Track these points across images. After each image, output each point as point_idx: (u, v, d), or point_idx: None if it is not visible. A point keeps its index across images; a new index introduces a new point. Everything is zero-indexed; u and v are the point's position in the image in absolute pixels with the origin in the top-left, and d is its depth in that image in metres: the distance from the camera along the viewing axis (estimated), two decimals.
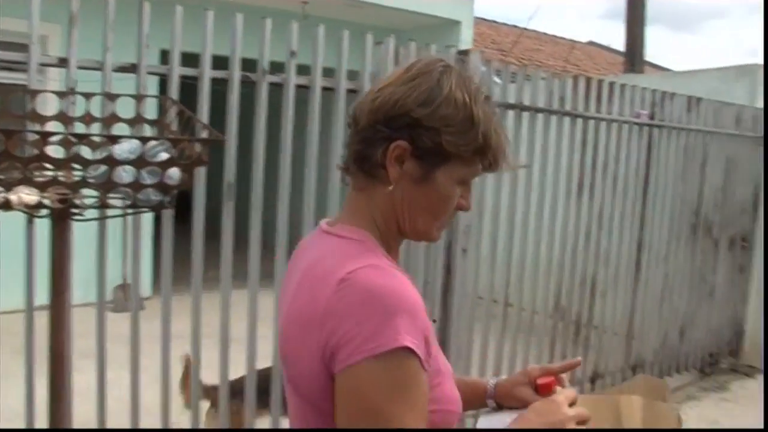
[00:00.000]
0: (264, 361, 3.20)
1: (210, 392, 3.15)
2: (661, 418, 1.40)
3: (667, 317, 5.22)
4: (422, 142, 1.08)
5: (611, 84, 4.52)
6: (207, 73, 2.86)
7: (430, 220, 1.15)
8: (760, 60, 6.46)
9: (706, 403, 5.29)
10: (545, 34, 14.53)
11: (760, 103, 5.96)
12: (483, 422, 1.33)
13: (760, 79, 6.06)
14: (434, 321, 1.26)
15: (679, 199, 5.14)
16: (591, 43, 16.95)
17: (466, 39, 8.19)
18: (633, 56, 9.44)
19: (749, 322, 6.05)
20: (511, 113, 3.91)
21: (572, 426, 1.16)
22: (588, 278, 4.54)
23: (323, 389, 1.03)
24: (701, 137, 5.25)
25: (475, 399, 1.37)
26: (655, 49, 31.27)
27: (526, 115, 4.01)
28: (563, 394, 1.22)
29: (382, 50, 3.31)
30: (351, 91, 3.24)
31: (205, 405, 3.21)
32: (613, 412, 1.37)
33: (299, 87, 3.10)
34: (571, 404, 1.20)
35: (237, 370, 3.13)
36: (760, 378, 5.83)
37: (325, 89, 3.17)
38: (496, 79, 4.26)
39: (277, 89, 3.05)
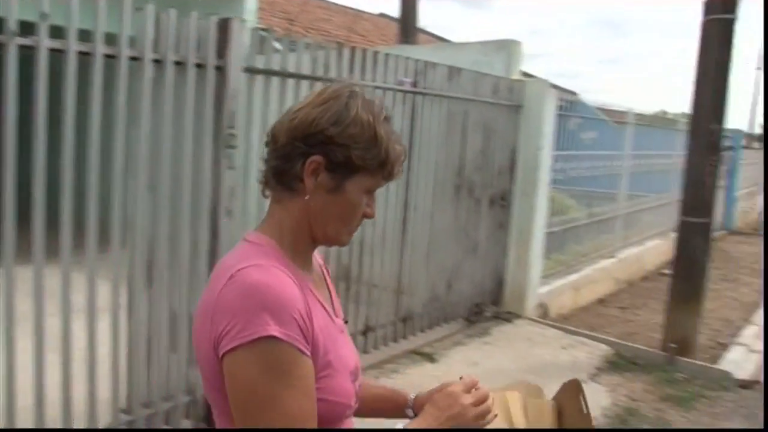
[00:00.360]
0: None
1: None
2: (543, 413, 1.55)
3: (434, 272, 5.66)
4: (335, 157, 1.23)
5: (375, 53, 4.78)
6: None
7: (341, 227, 1.29)
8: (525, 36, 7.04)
9: (470, 347, 5.81)
10: (335, 4, 14.82)
11: (515, 75, 6.56)
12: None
13: (515, 53, 6.66)
14: (345, 321, 1.33)
15: (442, 162, 5.56)
16: (382, 15, 17.50)
17: (250, 8, 8.19)
18: (406, 27, 9.92)
19: (509, 273, 6.70)
20: (275, 80, 4.04)
21: (473, 413, 1.31)
22: (356, 237, 4.82)
23: (219, 373, 1.15)
24: (462, 104, 5.69)
25: (396, 408, 1.50)
26: (446, 22, 32.70)
27: (291, 82, 4.15)
28: (462, 383, 1.35)
29: (143, 16, 3.29)
30: (108, 57, 3.19)
31: None
32: (503, 405, 1.50)
33: (54, 51, 3.00)
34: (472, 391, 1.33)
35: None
36: (518, 322, 6.51)
37: (81, 54, 3.10)
38: (276, 45, 4.37)
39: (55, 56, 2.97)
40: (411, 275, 5.31)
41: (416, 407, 1.46)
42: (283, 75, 4.10)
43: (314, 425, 1.16)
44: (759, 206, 20.96)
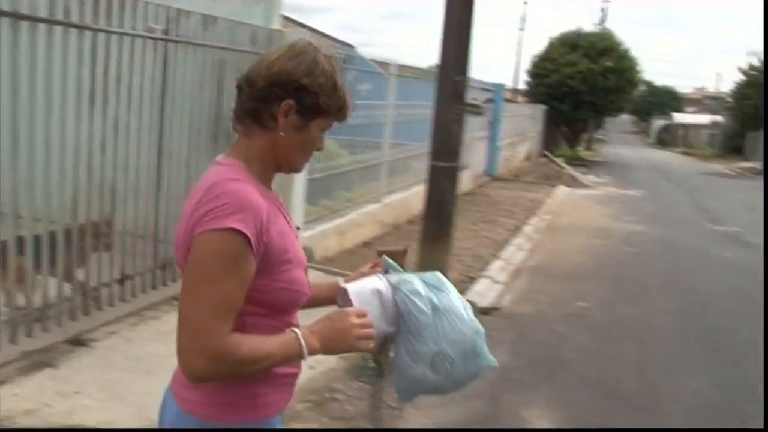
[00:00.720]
0: None
1: None
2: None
3: None
4: (305, 102, 1.53)
5: None
6: None
7: (302, 157, 1.62)
8: None
9: None
10: None
11: (275, 25, 6.68)
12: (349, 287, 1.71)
13: (275, 4, 6.78)
14: (298, 228, 1.54)
15: (198, 111, 5.57)
16: None
17: None
18: None
19: None
20: (5, 21, 3.84)
21: (356, 333, 1.57)
22: (107, 185, 4.75)
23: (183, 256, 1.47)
24: (218, 54, 5.72)
25: (331, 293, 1.84)
26: None
27: (24, 25, 3.97)
28: (355, 310, 1.62)
29: None
30: None
31: None
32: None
33: None
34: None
35: None
36: None
37: None
38: None
39: None
40: (168, 223, 5.29)
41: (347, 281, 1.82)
42: (16, 17, 3.91)
43: (236, 313, 1.45)
44: (520, 154, 22.92)
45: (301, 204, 7.02)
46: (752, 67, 30.34)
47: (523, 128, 24.36)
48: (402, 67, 9.89)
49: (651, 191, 19.00)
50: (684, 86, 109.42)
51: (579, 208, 14.50)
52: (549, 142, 31.06)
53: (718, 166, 34.52)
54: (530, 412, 4.45)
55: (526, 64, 31.15)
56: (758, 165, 31.32)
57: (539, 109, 28.32)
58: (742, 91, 30.80)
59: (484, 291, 7.03)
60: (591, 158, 33.73)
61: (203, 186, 1.49)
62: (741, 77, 31.16)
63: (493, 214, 12.25)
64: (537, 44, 31.60)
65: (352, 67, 8.60)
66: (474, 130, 16.12)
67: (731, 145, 42.47)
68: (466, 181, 14.70)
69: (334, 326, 1.58)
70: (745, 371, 5.48)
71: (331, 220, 7.82)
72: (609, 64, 28.77)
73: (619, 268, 8.89)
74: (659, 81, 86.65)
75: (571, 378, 5.10)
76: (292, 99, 1.52)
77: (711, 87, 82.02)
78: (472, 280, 7.37)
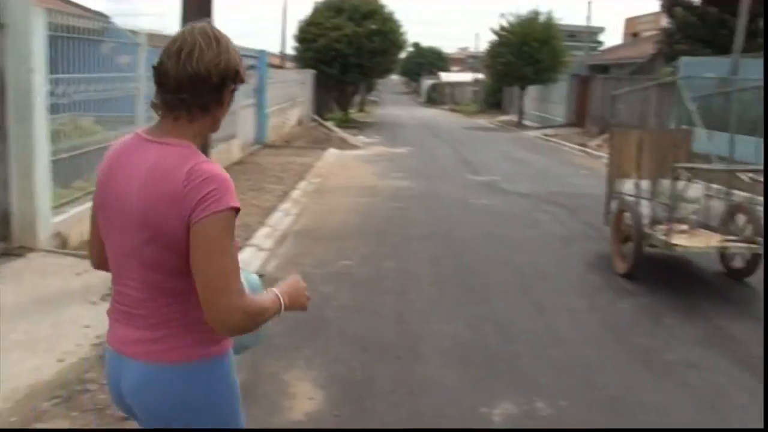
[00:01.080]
0: None
1: None
2: None
3: None
4: (235, 82, 1.83)
5: None
6: None
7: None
8: None
9: None
10: None
11: None
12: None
13: None
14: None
15: None
16: None
17: None
18: None
19: (14, 206, 6.32)
20: None
21: (306, 293, 2.00)
22: None
23: (183, 239, 1.69)
24: None
25: None
26: None
27: None
28: (300, 278, 2.03)
29: None
30: None
31: None
32: None
33: None
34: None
35: None
36: (31, 255, 6.23)
37: None
38: None
39: None
40: None
41: None
42: None
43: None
44: (291, 120, 22.98)
45: (47, 187, 6.51)
46: (502, 28, 32.53)
47: (292, 94, 24.42)
48: (153, 36, 9.44)
49: (418, 148, 19.91)
50: (449, 47, 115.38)
51: (348, 168, 14.87)
52: (321, 107, 31.49)
53: (481, 121, 36.98)
54: (291, 374, 4.50)
55: (293, 29, 30.98)
56: (514, 117, 33.97)
57: (308, 74, 28.54)
58: (494, 50, 32.94)
59: (249, 259, 6.99)
60: (364, 120, 34.69)
61: (174, 170, 1.71)
62: (494, 37, 33.28)
63: (262, 181, 12.20)
64: (304, 9, 31.95)
65: (108, 39, 8.09)
66: (240, 98, 15.93)
67: (491, 101, 45.66)
68: (235, 150, 14.50)
69: (295, 289, 1.97)
70: (495, 309, 5.93)
71: (86, 202, 7.33)
72: (373, 26, 29.49)
73: (384, 223, 9.23)
74: (426, 42, 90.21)
75: (332, 336, 5.21)
76: (233, 83, 1.84)
77: (472, 47, 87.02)
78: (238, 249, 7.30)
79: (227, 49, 1.80)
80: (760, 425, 3.95)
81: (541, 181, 13.44)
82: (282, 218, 9.15)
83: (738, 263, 6.96)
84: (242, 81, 1.86)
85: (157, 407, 1.85)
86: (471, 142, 22.52)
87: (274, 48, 33.15)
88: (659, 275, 6.98)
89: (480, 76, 50.59)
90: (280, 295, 1.88)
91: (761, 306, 6.15)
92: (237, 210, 1.72)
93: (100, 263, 2.01)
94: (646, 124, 7.86)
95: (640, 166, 7.47)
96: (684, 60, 19.91)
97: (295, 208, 10.01)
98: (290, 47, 31.76)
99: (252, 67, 14.78)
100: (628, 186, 7.61)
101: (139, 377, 1.81)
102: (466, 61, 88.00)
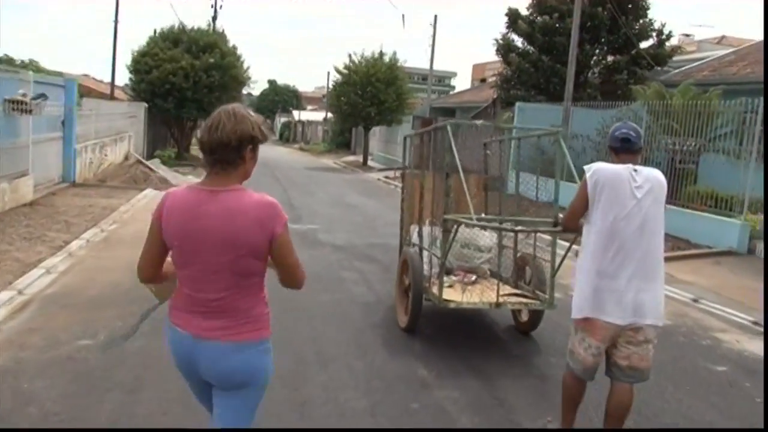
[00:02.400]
0: None
1: None
2: None
3: None
4: (256, 143, 2.69)
5: None
6: None
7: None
8: None
9: None
10: None
11: None
12: None
13: None
14: None
15: None
16: None
17: None
18: None
19: None
20: None
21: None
22: None
23: (266, 249, 2.63)
24: None
25: None
26: None
27: None
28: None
29: None
30: None
31: None
32: None
33: None
34: None
35: None
36: None
37: None
38: None
39: None
40: None
41: None
42: None
43: None
44: (116, 156, 21.10)
45: None
46: (346, 67, 32.13)
47: (118, 127, 22.59)
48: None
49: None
50: (307, 85, 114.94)
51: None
52: (157, 142, 29.62)
53: (327, 161, 36.29)
54: None
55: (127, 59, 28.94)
56: (360, 158, 33.43)
57: (141, 107, 26.71)
58: (339, 89, 32.45)
59: None
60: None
61: (251, 206, 2.60)
62: (337, 76, 32.81)
63: (45, 228, 10.52)
64: (141, 38, 29.74)
65: None
66: (42, 130, 14.16)
67: (340, 141, 45.20)
68: (23, 190, 12.69)
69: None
70: None
71: None
72: (212, 60, 28.12)
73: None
74: (284, 80, 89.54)
75: None
76: (251, 144, 2.66)
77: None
78: None
79: (242, 121, 2.62)
80: None
81: (365, 231, 12.57)
82: (39, 278, 7.62)
83: (524, 316, 6.67)
84: (260, 141, 2.72)
85: (237, 372, 2.72)
86: (307, 184, 21.55)
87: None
88: (446, 330, 6.61)
89: (330, 115, 50.25)
90: None
91: (542, 362, 5.90)
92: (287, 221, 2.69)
93: (150, 279, 2.83)
94: (428, 166, 7.19)
95: (422, 213, 7.03)
96: (519, 105, 20.00)
97: (65, 263, 8.47)
98: (126, 78, 29.61)
99: (41, 96, 13.01)
100: (415, 234, 7.09)
101: (223, 352, 2.69)
102: (321, 100, 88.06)
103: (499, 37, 22.66)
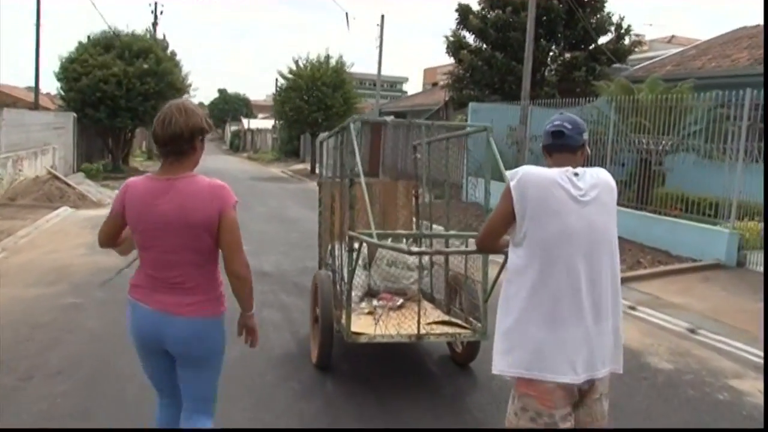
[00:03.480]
0: None
1: None
2: None
3: None
4: (204, 134, 2.98)
5: None
6: None
7: None
8: None
9: None
10: None
11: None
12: None
13: None
14: None
15: None
16: None
17: None
18: None
19: None
20: None
21: None
22: None
23: (216, 226, 2.91)
24: None
25: None
26: None
27: None
28: None
29: None
30: None
31: None
32: None
33: None
34: None
35: None
36: None
37: None
38: None
39: None
40: None
41: None
42: None
43: None
44: (35, 171, 19.14)
45: None
46: (291, 71, 30.56)
47: (39, 139, 20.65)
48: None
49: None
50: (258, 93, 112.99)
51: (62, 236, 11.62)
52: (91, 155, 27.61)
53: (275, 170, 34.60)
54: None
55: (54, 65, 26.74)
56: (308, 166, 31.83)
57: (68, 117, 24.69)
58: (283, 95, 30.84)
59: None
60: (144, 169, 31.20)
61: (203, 189, 2.92)
62: (282, 81, 31.20)
63: None
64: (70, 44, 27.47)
65: None
66: None
67: (289, 149, 43.47)
68: None
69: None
70: None
71: None
72: (146, 66, 26.25)
73: (24, 341, 5.97)
74: (232, 89, 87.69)
75: None
76: (200, 135, 2.97)
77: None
78: None
79: (192, 115, 2.92)
80: None
81: (299, 252, 10.78)
82: None
83: (459, 347, 5.70)
84: (208, 132, 3.02)
85: (196, 346, 3.03)
86: (246, 198, 19.76)
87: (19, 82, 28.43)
88: (367, 364, 5.65)
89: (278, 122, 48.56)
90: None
91: (475, 403, 4.99)
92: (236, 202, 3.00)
93: (108, 247, 3.17)
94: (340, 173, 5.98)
95: (341, 228, 5.81)
96: (472, 106, 18.59)
97: None
98: (55, 87, 27.50)
99: None
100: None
101: (187, 327, 2.99)
102: (271, 108, 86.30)
103: (449, 34, 21.16)
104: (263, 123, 65.21)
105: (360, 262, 5.64)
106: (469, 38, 21.12)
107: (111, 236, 3.10)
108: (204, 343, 3.03)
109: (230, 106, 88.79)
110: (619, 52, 19.83)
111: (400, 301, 6.09)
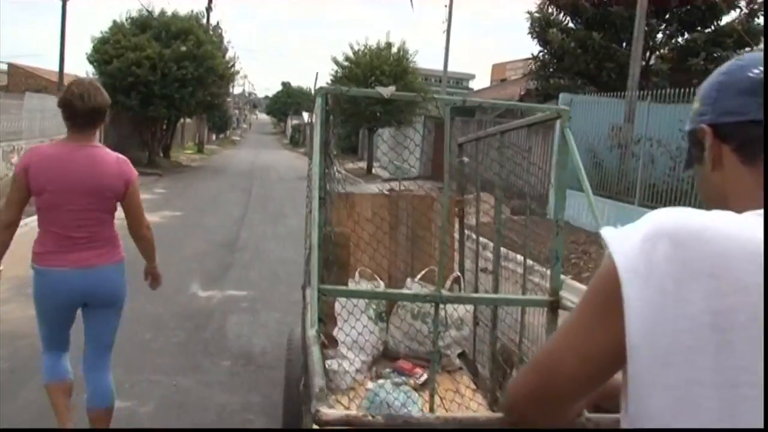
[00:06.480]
0: None
1: None
2: None
3: None
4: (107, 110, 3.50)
5: None
6: None
7: None
8: None
9: None
10: None
11: None
12: None
13: None
14: None
15: None
16: None
17: None
18: None
19: None
20: None
21: None
22: None
23: (122, 192, 3.40)
24: None
25: None
26: None
27: None
28: None
29: None
30: None
31: None
32: None
33: None
34: None
35: None
36: None
37: None
38: None
39: None
40: None
41: None
42: None
43: None
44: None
45: None
46: (347, 59, 27.34)
47: (58, 128, 17.95)
48: None
49: (195, 212, 13.91)
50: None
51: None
52: (125, 146, 24.83)
53: None
54: None
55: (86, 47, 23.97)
56: (365, 165, 28.64)
57: None
58: (339, 84, 27.61)
59: None
60: (187, 164, 28.64)
61: (111, 159, 3.39)
62: (336, 69, 27.98)
63: None
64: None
65: None
66: None
67: (346, 145, 40.32)
68: None
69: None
70: None
71: None
72: (183, 48, 23.31)
73: None
74: (296, 82, 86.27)
75: None
76: (107, 110, 3.42)
77: None
78: None
79: (103, 93, 3.40)
80: None
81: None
82: None
83: None
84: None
85: (109, 292, 3.50)
86: (280, 205, 16.36)
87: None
88: None
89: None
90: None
91: None
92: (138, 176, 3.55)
93: (12, 223, 3.35)
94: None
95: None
96: (563, 97, 14.77)
97: None
98: (87, 71, 24.79)
99: None
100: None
101: (102, 275, 3.42)
102: None
103: (533, 9, 17.43)
104: None
105: (372, 312, 4.28)
106: (558, 16, 17.38)
107: (18, 209, 3.36)
108: (115, 285, 3.53)
109: (293, 99, 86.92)
110: (750, 32, 15.74)
111: (424, 377, 4.04)
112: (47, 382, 3.59)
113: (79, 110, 3.26)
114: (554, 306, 3.27)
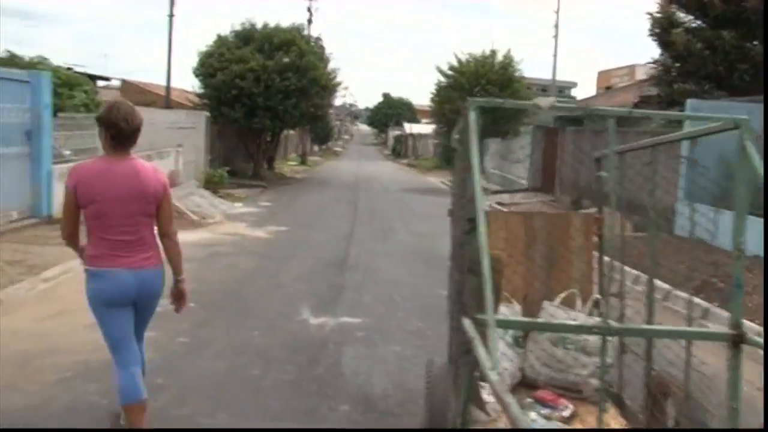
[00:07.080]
0: None
1: None
2: None
3: None
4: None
5: None
6: None
7: None
8: None
9: None
10: None
11: None
12: None
13: None
14: None
15: None
16: None
17: None
18: None
19: None
20: None
21: None
22: None
23: (160, 197, 3.80)
24: None
25: None
26: None
27: None
28: None
29: None
30: None
31: None
32: None
33: None
34: None
35: None
36: None
37: None
38: None
39: None
40: None
41: None
42: None
43: None
44: None
45: None
46: (451, 68, 26.65)
47: (161, 141, 18.06)
48: None
49: (303, 226, 13.54)
50: (424, 98, 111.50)
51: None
52: (232, 159, 25.08)
53: (433, 179, 30.87)
54: None
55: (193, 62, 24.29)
56: None
57: (200, 117, 22.05)
58: (442, 94, 27.01)
59: None
60: (292, 175, 28.73)
61: (149, 168, 3.81)
62: (441, 79, 27.33)
63: None
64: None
65: None
66: None
67: (450, 155, 39.62)
68: None
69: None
70: None
71: None
72: (286, 60, 23.26)
73: None
74: (397, 93, 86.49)
75: None
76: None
77: None
78: None
79: (139, 114, 3.73)
80: None
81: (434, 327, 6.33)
82: None
83: None
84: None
85: (156, 291, 3.85)
86: (389, 218, 15.74)
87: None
88: None
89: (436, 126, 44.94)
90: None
91: None
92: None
93: (72, 236, 3.80)
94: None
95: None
96: (691, 104, 13.55)
97: None
98: (194, 85, 25.13)
99: None
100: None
101: (151, 276, 3.77)
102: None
103: (654, 9, 16.21)
104: (425, 128, 62.08)
105: (510, 338, 4.20)
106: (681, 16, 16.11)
107: (73, 222, 3.75)
108: (159, 287, 3.88)
109: (394, 111, 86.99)
110: None
111: (570, 409, 3.84)
112: (125, 404, 3.74)
113: (124, 131, 3.68)
114: (736, 341, 3.13)
